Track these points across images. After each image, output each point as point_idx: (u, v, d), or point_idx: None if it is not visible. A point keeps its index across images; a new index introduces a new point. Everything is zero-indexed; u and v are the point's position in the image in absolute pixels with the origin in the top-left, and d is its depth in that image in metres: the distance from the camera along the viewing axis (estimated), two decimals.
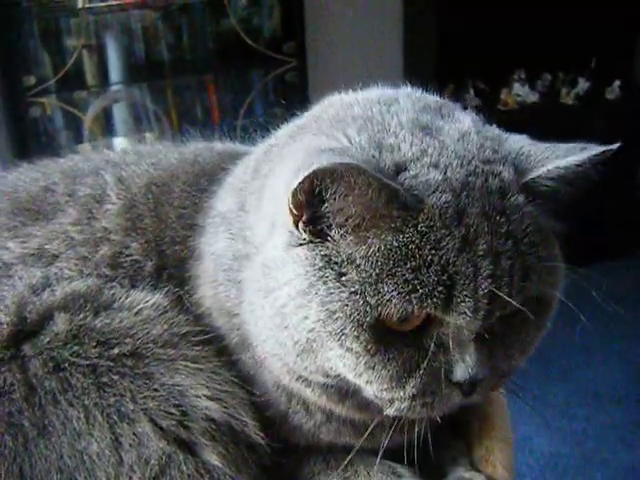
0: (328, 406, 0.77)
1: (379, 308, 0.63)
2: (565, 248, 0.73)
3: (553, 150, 0.70)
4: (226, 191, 0.86)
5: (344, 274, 0.65)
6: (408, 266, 0.63)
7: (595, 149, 0.68)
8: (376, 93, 0.78)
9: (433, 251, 0.63)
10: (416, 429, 0.73)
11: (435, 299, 0.63)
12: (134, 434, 0.73)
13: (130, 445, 0.73)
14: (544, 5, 3.13)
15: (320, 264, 0.66)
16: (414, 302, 0.63)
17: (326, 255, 0.66)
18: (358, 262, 0.64)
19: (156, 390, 0.75)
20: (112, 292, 0.81)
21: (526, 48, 3.18)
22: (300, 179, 0.61)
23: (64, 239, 0.86)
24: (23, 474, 0.72)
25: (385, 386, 0.67)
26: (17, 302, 0.78)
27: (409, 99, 0.75)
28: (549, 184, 0.68)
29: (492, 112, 0.78)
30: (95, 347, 0.76)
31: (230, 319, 0.81)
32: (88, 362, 0.75)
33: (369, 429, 0.75)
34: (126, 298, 0.81)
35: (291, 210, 0.65)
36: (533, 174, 0.68)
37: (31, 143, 2.90)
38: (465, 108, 0.77)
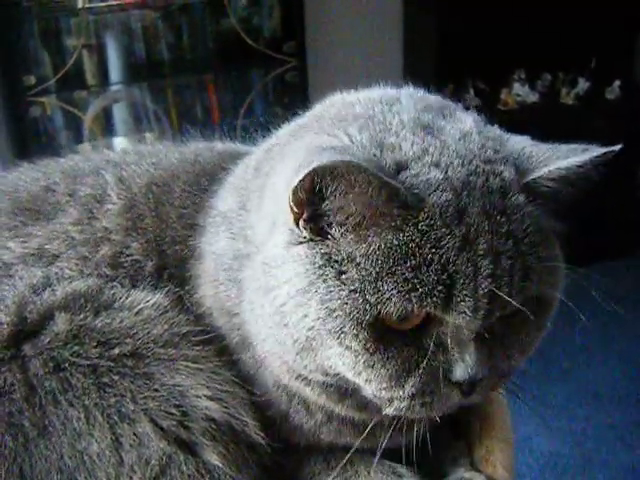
0: (328, 405, 0.77)
1: (379, 306, 0.63)
2: (565, 248, 0.73)
3: (555, 151, 0.70)
4: (227, 190, 0.86)
5: (344, 272, 0.65)
6: (408, 265, 0.63)
7: (597, 150, 0.68)
8: (378, 93, 0.78)
9: (433, 250, 0.63)
10: (415, 429, 0.73)
11: (435, 298, 0.63)
12: (134, 434, 0.73)
13: (130, 445, 0.73)
14: (544, 5, 3.13)
15: (320, 262, 0.66)
16: (414, 301, 0.63)
17: (326, 253, 0.66)
18: (358, 260, 0.64)
19: (156, 390, 0.75)
20: (112, 292, 0.81)
21: (526, 48, 3.18)
22: (301, 176, 0.61)
23: (65, 239, 0.85)
24: (23, 474, 0.72)
25: (384, 385, 0.67)
26: (17, 302, 0.78)
27: (411, 99, 0.75)
28: (550, 185, 0.68)
29: (492, 112, 0.78)
30: (95, 347, 0.76)
31: (230, 319, 0.81)
32: (88, 362, 0.75)
33: (368, 428, 0.75)
34: (126, 298, 0.81)
35: (292, 208, 0.65)
36: (534, 174, 0.68)
37: (31, 143, 2.90)
38: (467, 108, 0.77)
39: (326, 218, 0.66)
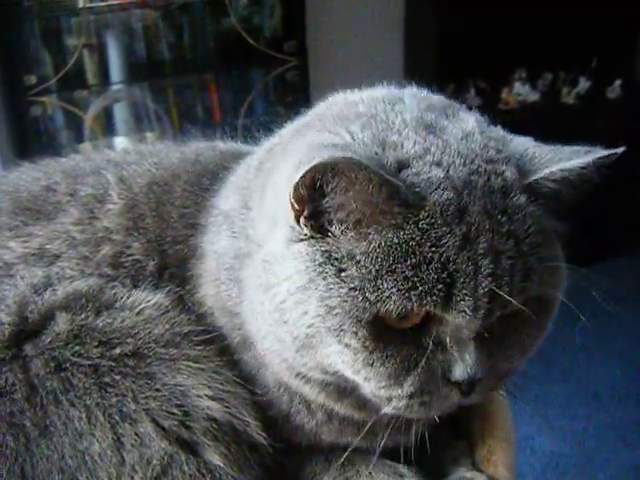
0: (327, 404, 0.77)
1: (378, 305, 0.63)
2: (566, 248, 0.73)
3: (557, 152, 0.70)
4: (229, 190, 0.86)
5: (344, 270, 0.65)
6: (408, 263, 0.63)
7: (600, 152, 0.68)
8: (381, 92, 0.78)
9: (433, 248, 0.63)
10: (414, 428, 0.73)
11: (435, 297, 0.63)
12: (136, 434, 0.73)
13: (132, 445, 0.73)
14: (545, 5, 3.13)
15: (320, 260, 0.66)
16: (413, 299, 0.63)
17: (326, 251, 0.66)
18: (358, 258, 0.64)
19: (158, 390, 0.75)
20: (114, 292, 0.81)
21: (527, 47, 3.17)
22: (301, 173, 0.61)
23: (65, 239, 0.85)
24: (24, 474, 0.72)
25: (383, 384, 0.67)
26: (19, 302, 0.78)
27: (414, 98, 0.75)
28: (552, 186, 0.68)
29: (493, 111, 0.78)
30: (97, 347, 0.76)
31: (232, 318, 0.81)
32: (90, 362, 0.75)
33: (366, 427, 0.75)
34: (128, 298, 0.81)
35: (292, 205, 0.65)
36: (537, 175, 0.68)
37: (32, 142, 2.90)
38: (470, 108, 0.77)
39: (327, 215, 0.66)
